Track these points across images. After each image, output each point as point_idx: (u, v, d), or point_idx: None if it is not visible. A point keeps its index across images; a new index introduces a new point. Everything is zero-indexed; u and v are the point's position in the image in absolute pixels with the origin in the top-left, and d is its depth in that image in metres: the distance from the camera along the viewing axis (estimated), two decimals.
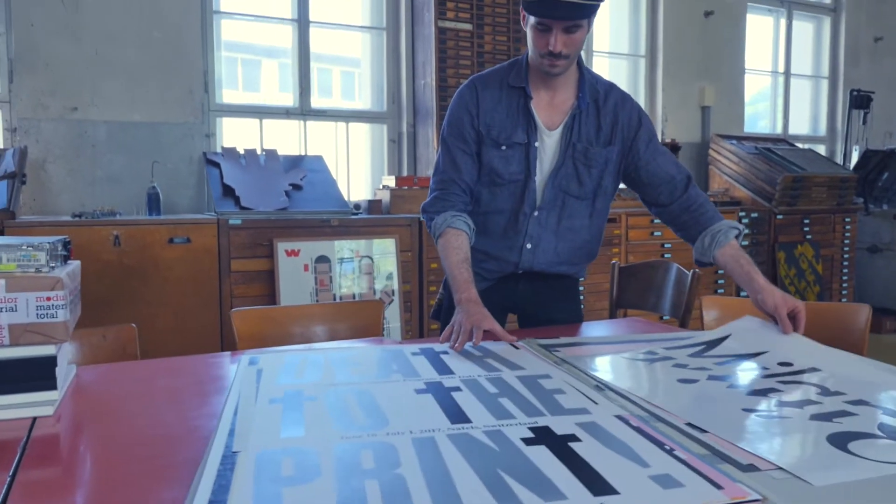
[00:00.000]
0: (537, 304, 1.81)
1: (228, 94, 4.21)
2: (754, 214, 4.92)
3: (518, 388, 1.12)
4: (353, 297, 3.47)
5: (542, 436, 0.89)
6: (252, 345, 1.62)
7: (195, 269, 3.19)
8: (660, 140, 5.28)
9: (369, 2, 4.54)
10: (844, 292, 5.43)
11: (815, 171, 5.22)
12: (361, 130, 4.58)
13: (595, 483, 0.74)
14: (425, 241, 3.71)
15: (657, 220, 4.39)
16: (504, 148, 1.65)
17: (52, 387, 1.09)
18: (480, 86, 1.68)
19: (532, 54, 1.59)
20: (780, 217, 5.01)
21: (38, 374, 1.08)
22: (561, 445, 0.86)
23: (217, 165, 3.71)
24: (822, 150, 6.53)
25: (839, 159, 6.39)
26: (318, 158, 4.09)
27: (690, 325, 2.04)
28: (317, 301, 3.34)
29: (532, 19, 1.50)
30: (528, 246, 1.70)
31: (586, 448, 0.85)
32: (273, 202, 3.54)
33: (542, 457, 0.82)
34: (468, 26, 4.26)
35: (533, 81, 1.65)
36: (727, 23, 5.79)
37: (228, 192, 3.55)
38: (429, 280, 3.73)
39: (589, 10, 1.48)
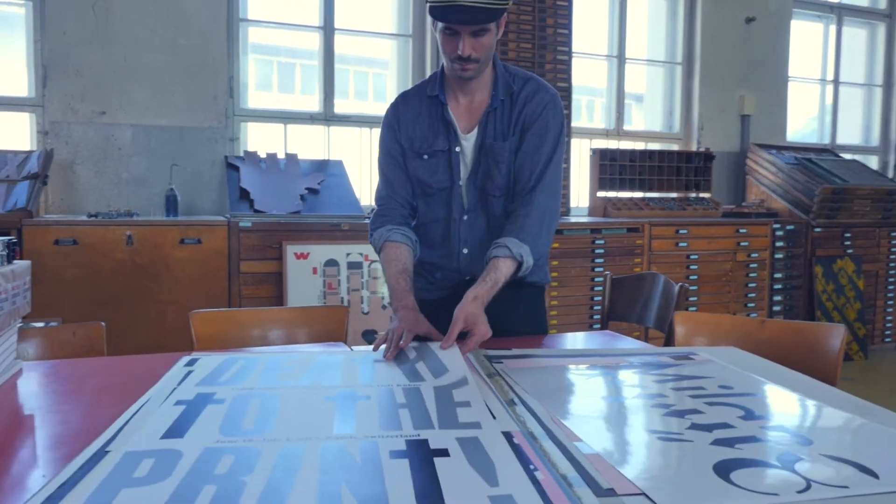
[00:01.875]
0: (496, 313, 1.77)
1: (256, 98, 4.30)
2: (790, 227, 4.73)
3: (427, 398, 1.10)
4: (361, 300, 3.48)
5: (413, 449, 0.87)
6: (210, 347, 1.64)
7: (205, 269, 3.26)
8: (694, 148, 5.17)
9: (396, 9, 4.57)
10: (890, 309, 5.15)
11: (859, 182, 4.98)
12: None
13: (429, 500, 0.72)
14: None
15: (683, 231, 4.31)
16: (426, 157, 1.66)
17: None
18: (401, 101, 1.71)
19: (445, 61, 1.58)
20: (817, 230, 4.80)
21: None
22: (425, 460, 0.84)
23: (237, 169, 3.79)
24: (873, 161, 6.24)
25: (892, 171, 6.09)
26: (339, 163, 4.14)
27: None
28: (324, 303, 3.37)
29: (440, 24, 1.49)
30: (465, 251, 1.69)
31: (448, 464, 0.82)
32: (286, 206, 3.59)
33: (396, 471, 0.80)
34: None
35: (450, 88, 1.65)
36: (770, 30, 5.60)
37: (244, 195, 3.62)
38: None
39: (493, 14, 1.45)
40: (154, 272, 3.19)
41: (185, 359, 1.39)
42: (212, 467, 0.81)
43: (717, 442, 0.92)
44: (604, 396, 1.16)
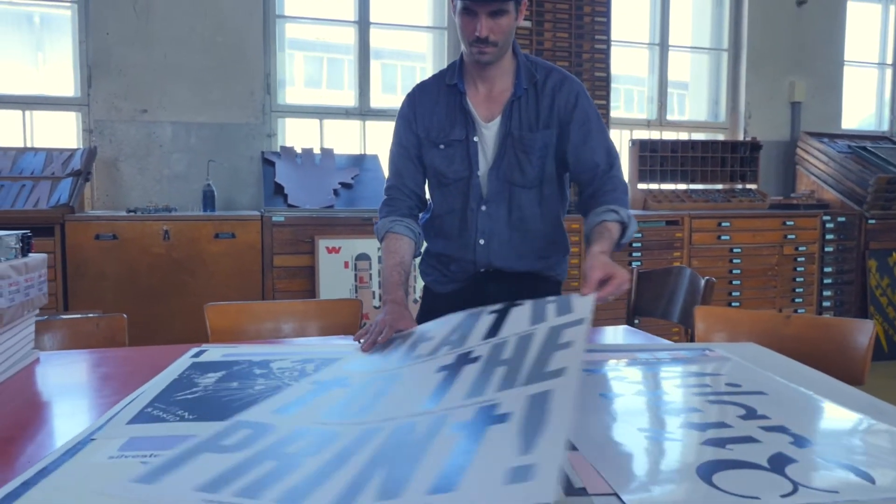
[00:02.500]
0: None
1: (292, 93, 4.35)
2: (841, 219, 4.53)
3: (535, 344, 1.03)
4: None
5: (475, 419, 0.82)
6: (224, 339, 1.66)
7: (239, 263, 3.32)
8: (741, 137, 5.00)
9: (431, 1, 4.55)
10: None
11: None
12: None
13: (447, 481, 0.68)
14: None
15: (726, 223, 4.17)
16: (443, 147, 1.64)
17: None
18: (418, 91, 1.70)
19: (463, 46, 1.56)
20: (872, 222, 4.59)
21: None
22: (478, 432, 0.78)
23: (273, 164, 3.84)
24: None
25: None
26: (374, 158, 4.15)
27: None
28: (356, 297, 3.39)
29: (459, 5, 1.48)
30: (481, 242, 1.66)
31: (498, 433, 0.76)
32: (320, 200, 3.63)
33: (438, 449, 0.76)
34: (527, 23, 4.18)
35: (469, 77, 1.63)
36: (824, 12, 5.36)
37: (279, 189, 3.67)
38: None
39: None
40: (190, 266, 3.26)
41: (193, 350, 1.41)
42: (286, 446, 0.84)
43: (709, 442, 0.88)
44: (602, 393, 1.12)
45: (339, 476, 0.74)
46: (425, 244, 1.78)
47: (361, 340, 1.39)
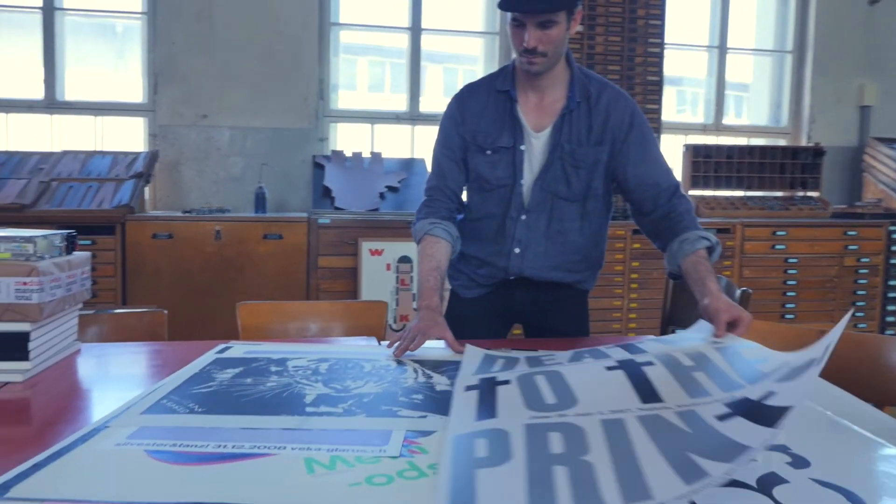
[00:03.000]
0: (537, 314, 1.76)
1: (345, 98, 4.46)
2: None
3: (717, 360, 1.07)
4: None
5: (738, 407, 0.85)
6: (253, 336, 1.74)
7: (286, 263, 3.43)
8: (804, 143, 4.82)
9: (484, 6, 4.59)
10: None
11: None
12: None
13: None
14: None
15: (781, 232, 4.04)
16: (489, 153, 1.63)
17: (25, 358, 1.26)
18: (467, 93, 1.68)
19: (514, 54, 1.56)
20: None
21: (13, 347, 1.25)
22: (757, 409, 0.82)
23: (323, 168, 3.95)
24: None
25: None
26: (422, 162, 4.21)
27: None
28: (396, 299, 3.45)
29: (508, 15, 1.48)
30: (517, 250, 1.66)
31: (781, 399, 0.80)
32: (365, 203, 3.71)
33: (738, 427, 0.79)
34: (578, 27, 4.15)
35: (520, 85, 1.62)
36: None
37: (327, 192, 3.77)
38: None
39: (559, 4, 1.44)
40: (239, 265, 3.40)
41: (219, 346, 1.48)
42: (545, 445, 0.83)
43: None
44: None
45: (656, 466, 0.75)
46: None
47: (395, 346, 1.41)
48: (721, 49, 4.89)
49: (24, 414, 1.13)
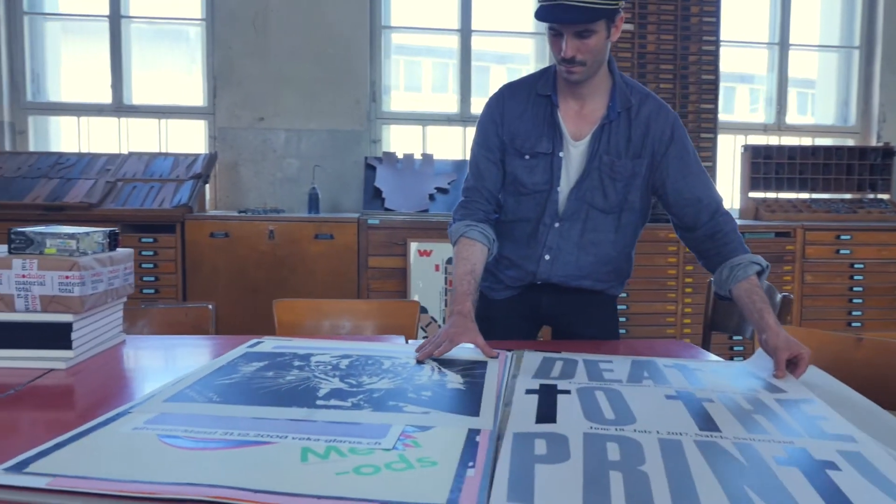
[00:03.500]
0: (565, 318, 1.75)
1: (398, 99, 4.53)
2: None
3: (776, 408, 1.09)
4: None
5: (796, 457, 0.86)
6: (289, 333, 1.80)
7: (337, 263, 3.51)
8: (874, 143, 4.60)
9: (533, 6, 4.56)
10: None
11: None
12: None
13: None
14: None
15: (846, 236, 3.87)
16: (528, 157, 1.61)
17: (68, 347, 1.35)
18: (508, 94, 1.65)
19: (555, 61, 1.55)
20: None
21: (57, 336, 1.34)
22: (817, 471, 0.82)
23: (375, 169, 4.02)
24: None
25: None
26: None
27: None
28: (445, 300, 3.49)
29: (546, 24, 1.47)
30: (547, 257, 1.66)
31: (845, 478, 0.81)
32: (415, 204, 3.76)
33: (793, 480, 0.79)
34: (629, 27, 4.09)
35: (561, 90, 1.60)
36: None
37: (378, 193, 3.84)
38: None
39: (595, 14, 1.41)
40: (292, 264, 3.50)
41: (252, 341, 1.55)
42: (602, 453, 0.85)
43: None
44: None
45: (708, 489, 0.76)
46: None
47: (421, 349, 1.42)
48: (782, 45, 4.72)
49: (64, 399, 1.21)
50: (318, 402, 1.11)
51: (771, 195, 4.40)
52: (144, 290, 3.44)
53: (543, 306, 1.74)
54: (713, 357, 1.53)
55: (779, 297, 1.92)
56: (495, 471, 0.80)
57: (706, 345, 2.19)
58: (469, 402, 1.12)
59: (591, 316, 1.74)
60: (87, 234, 1.44)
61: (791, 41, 4.74)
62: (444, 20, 4.50)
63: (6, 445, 0.90)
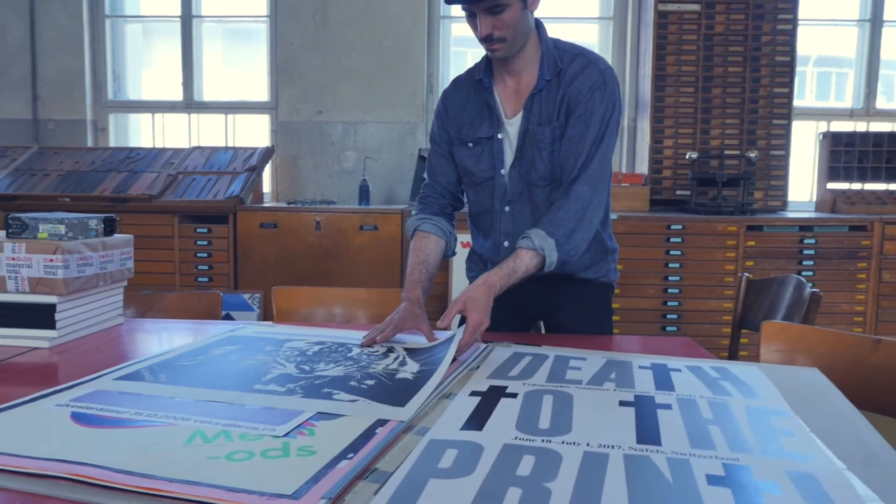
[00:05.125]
0: (554, 310, 1.68)
1: None
2: None
3: (740, 418, 1.00)
4: None
5: (734, 477, 0.79)
6: (288, 320, 1.81)
7: (380, 254, 3.53)
8: None
9: None
10: None
11: None
12: None
13: None
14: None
15: None
16: (471, 145, 1.59)
17: (52, 327, 1.41)
18: (451, 88, 1.65)
19: None
20: None
21: (41, 317, 1.41)
22: (752, 493, 0.76)
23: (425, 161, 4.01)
24: None
25: None
26: None
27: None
28: None
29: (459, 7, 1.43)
30: (506, 244, 1.61)
31: (780, 503, 0.74)
32: None
33: (717, 500, 0.73)
34: (695, 7, 3.88)
35: (496, 70, 1.56)
36: None
37: None
38: None
39: None
40: (337, 254, 3.55)
41: (232, 326, 1.57)
42: (513, 467, 0.81)
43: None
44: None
45: (610, 501, 0.72)
46: (464, 241, 1.76)
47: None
48: (874, 23, 4.32)
49: (29, 376, 1.25)
50: (256, 387, 1.10)
51: (855, 186, 4.05)
52: (199, 279, 3.59)
53: (529, 297, 1.66)
54: (705, 358, 1.42)
55: (808, 291, 1.75)
56: (389, 479, 0.76)
57: (734, 344, 2.04)
58: (405, 392, 1.08)
59: (579, 308, 1.66)
60: (80, 219, 1.50)
61: (885, 17, 4.34)
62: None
63: None
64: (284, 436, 0.88)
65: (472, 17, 1.44)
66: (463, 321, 1.38)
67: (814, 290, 1.74)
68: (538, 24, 1.54)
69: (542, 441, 0.88)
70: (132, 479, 0.74)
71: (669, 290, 3.53)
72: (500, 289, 1.41)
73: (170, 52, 4.53)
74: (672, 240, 3.52)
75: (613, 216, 3.52)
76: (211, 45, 4.60)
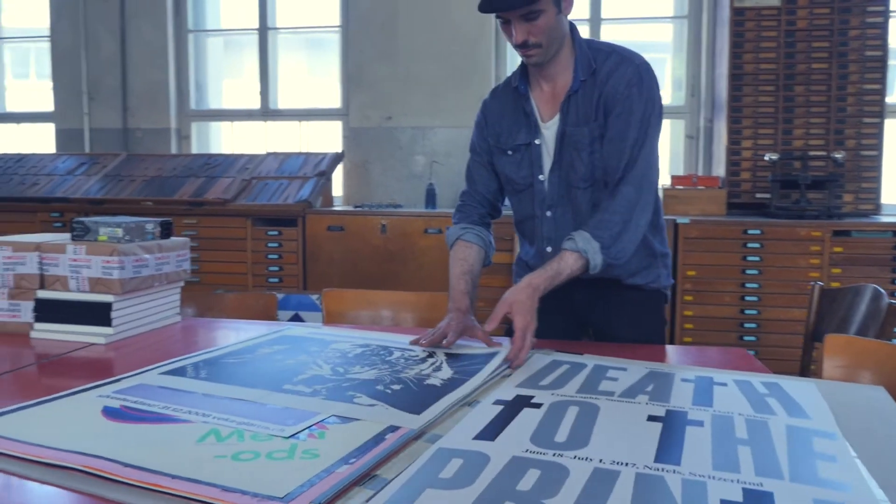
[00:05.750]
0: (601, 317, 1.62)
1: None
2: None
3: (777, 439, 0.93)
4: None
5: (752, 502, 0.75)
6: (336, 321, 1.84)
7: (445, 256, 3.49)
8: None
9: None
10: None
11: None
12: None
13: None
14: (682, 246, 3.39)
15: None
16: (510, 153, 1.58)
17: (108, 324, 1.48)
18: (491, 96, 1.65)
19: None
20: None
21: (98, 314, 1.49)
22: None
23: None
24: None
25: None
26: None
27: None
28: None
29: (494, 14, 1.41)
30: (549, 249, 1.57)
31: None
32: None
33: None
34: (774, 2, 3.69)
35: (532, 76, 1.54)
36: None
37: None
38: (684, 288, 3.40)
39: None
40: (402, 257, 3.58)
41: (288, 326, 1.61)
42: (515, 481, 0.78)
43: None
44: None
45: None
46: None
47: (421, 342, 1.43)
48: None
49: (89, 370, 1.33)
50: (285, 387, 1.12)
51: None
52: (270, 280, 3.70)
53: (576, 304, 1.62)
54: (760, 371, 1.33)
55: (885, 301, 1.62)
56: (386, 486, 0.76)
57: (806, 357, 1.91)
58: (427, 400, 1.07)
59: (628, 315, 1.60)
60: (137, 223, 1.58)
61: None
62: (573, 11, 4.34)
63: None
64: (293, 437, 0.88)
65: (506, 25, 1.42)
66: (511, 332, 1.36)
67: (892, 301, 1.62)
68: (571, 27, 1.51)
69: (554, 455, 0.85)
70: (138, 473, 0.76)
71: (747, 298, 3.36)
72: (545, 290, 1.38)
73: (248, 63, 4.71)
74: (749, 245, 3.35)
75: (685, 220, 3.40)
76: (286, 55, 4.75)
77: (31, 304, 1.52)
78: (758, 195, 3.74)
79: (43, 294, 1.51)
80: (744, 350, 1.50)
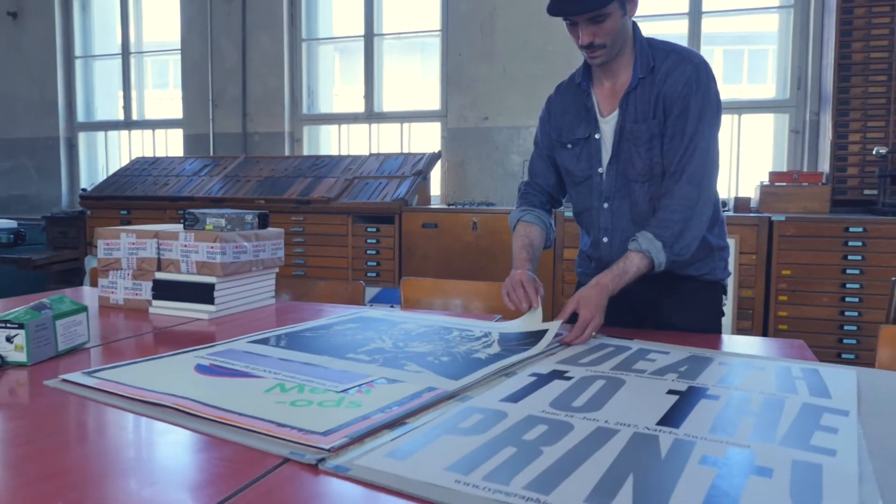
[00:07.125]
0: (657, 307, 1.67)
1: None
2: None
3: (787, 412, 0.97)
4: None
5: (730, 461, 0.79)
6: (413, 307, 1.99)
7: None
8: None
9: None
10: None
11: None
12: (765, 120, 4.22)
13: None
14: (776, 244, 3.29)
15: None
16: (570, 146, 1.66)
17: (211, 302, 1.71)
18: (555, 91, 1.74)
19: None
20: None
21: (203, 294, 1.72)
22: (739, 475, 0.76)
23: None
24: None
25: None
26: None
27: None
28: None
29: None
30: (605, 240, 1.64)
31: (765, 486, 0.73)
32: None
33: (696, 477, 0.74)
34: (884, 8, 3.49)
35: (595, 73, 1.62)
36: None
37: None
38: (778, 288, 3.30)
39: (603, 0, 1.41)
40: (492, 253, 3.70)
41: (365, 309, 1.78)
42: (522, 432, 0.87)
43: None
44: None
45: (584, 471, 0.75)
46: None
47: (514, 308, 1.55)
48: None
49: (191, 341, 1.55)
50: (348, 355, 1.28)
51: None
52: (368, 274, 3.94)
53: (632, 294, 1.67)
54: (810, 360, 1.35)
55: None
56: (411, 431, 0.87)
57: None
58: (468, 369, 1.18)
59: (684, 305, 1.64)
60: (238, 214, 1.80)
61: None
62: (672, 5, 4.30)
63: (113, 361, 1.24)
64: (343, 392, 1.03)
65: (573, 26, 1.51)
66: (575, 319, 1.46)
67: None
68: (633, 25, 1.57)
69: (566, 416, 0.94)
70: (213, 411, 0.94)
71: (847, 300, 3.22)
72: (613, 289, 1.47)
73: (355, 69, 5.00)
74: (851, 243, 3.21)
75: (780, 217, 3.30)
76: (391, 60, 4.99)
77: (149, 284, 1.77)
78: (865, 192, 3.56)
79: (160, 275, 1.76)
80: (801, 341, 1.51)
